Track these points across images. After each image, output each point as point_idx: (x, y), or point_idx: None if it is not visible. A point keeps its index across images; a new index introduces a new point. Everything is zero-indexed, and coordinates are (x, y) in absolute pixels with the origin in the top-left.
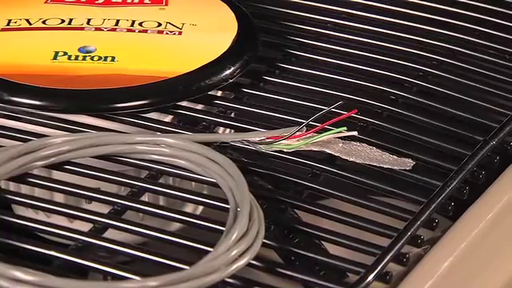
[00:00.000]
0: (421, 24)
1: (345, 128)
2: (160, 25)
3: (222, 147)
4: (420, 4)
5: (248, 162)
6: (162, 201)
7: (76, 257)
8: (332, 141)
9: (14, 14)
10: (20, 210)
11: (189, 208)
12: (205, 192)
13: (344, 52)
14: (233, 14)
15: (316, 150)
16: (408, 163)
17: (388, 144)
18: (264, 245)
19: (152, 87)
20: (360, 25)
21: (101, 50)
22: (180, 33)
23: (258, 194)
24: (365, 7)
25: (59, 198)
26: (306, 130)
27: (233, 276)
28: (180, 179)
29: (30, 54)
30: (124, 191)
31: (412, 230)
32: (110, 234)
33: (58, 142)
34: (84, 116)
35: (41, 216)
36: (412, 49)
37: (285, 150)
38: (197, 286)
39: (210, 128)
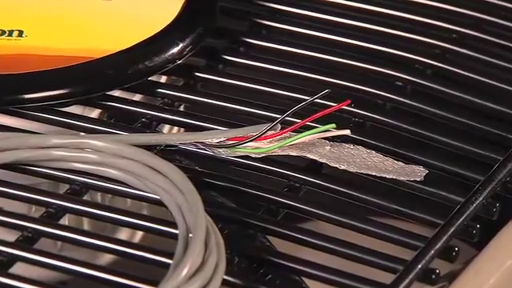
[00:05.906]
0: None
1: (333, 125)
2: None
3: (169, 152)
4: None
5: (203, 171)
6: (87, 224)
7: None
8: (316, 142)
9: None
10: None
11: (123, 234)
12: (145, 212)
13: (332, 22)
14: None
15: (295, 154)
16: (419, 172)
17: (392, 147)
18: (225, 282)
19: (72, 71)
20: None
21: (4, 22)
22: None
23: (217, 215)
24: None
25: None
26: (282, 129)
27: None
28: (111, 195)
29: None
30: (36, 212)
31: (424, 261)
32: (18, 268)
33: None
34: None
35: None
36: (425, 18)
37: (253, 156)
38: None
39: (152, 126)
